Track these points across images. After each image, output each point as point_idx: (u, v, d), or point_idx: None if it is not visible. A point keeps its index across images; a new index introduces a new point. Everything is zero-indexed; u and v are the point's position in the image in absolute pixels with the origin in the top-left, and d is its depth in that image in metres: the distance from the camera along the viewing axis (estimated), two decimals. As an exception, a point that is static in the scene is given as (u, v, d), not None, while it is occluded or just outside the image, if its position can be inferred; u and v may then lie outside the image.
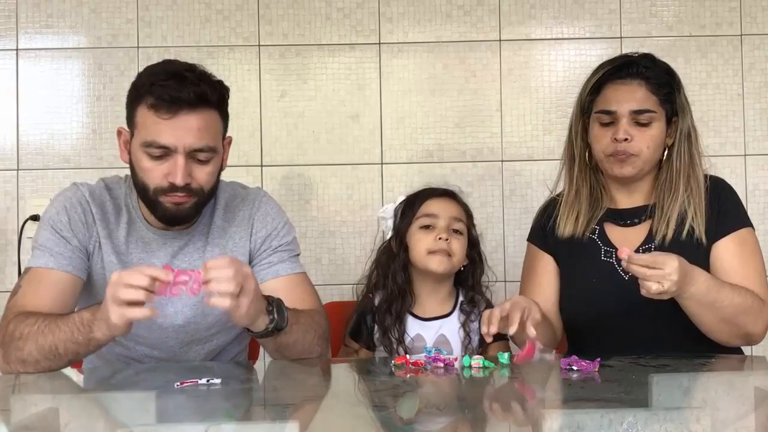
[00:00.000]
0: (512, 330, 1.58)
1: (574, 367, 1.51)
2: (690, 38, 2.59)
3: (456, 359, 1.61)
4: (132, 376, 1.70)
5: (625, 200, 1.87)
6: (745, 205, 2.11)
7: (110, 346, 1.80)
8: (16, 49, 2.58)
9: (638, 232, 1.84)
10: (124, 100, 2.54)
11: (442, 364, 1.58)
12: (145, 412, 1.33)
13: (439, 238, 1.91)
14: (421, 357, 1.62)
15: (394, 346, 1.89)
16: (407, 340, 1.91)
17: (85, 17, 2.58)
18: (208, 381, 1.43)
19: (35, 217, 2.53)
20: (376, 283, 2.00)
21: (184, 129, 1.63)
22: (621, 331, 1.75)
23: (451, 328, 1.93)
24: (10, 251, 2.56)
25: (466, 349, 1.90)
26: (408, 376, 1.53)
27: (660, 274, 1.57)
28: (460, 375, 1.54)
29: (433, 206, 1.96)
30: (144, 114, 1.65)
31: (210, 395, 1.38)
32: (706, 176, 1.85)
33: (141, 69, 1.80)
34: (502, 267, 2.57)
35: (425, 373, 1.54)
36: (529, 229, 2.04)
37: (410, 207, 1.99)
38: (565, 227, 1.86)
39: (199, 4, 2.59)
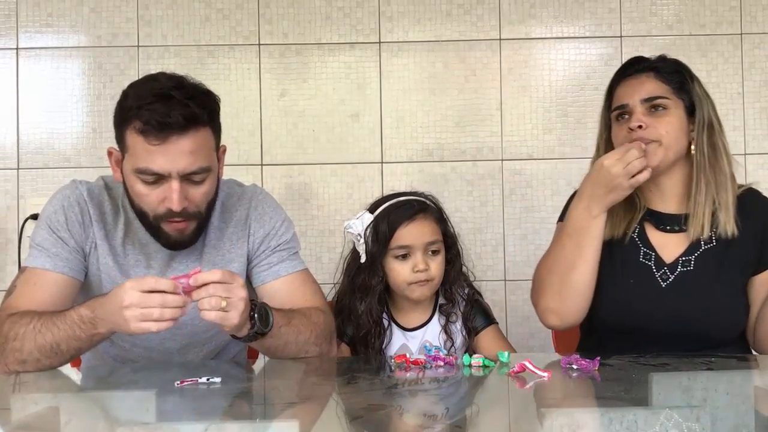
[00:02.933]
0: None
1: (575, 366, 1.51)
2: (690, 37, 2.59)
3: (456, 358, 1.61)
4: (132, 375, 1.70)
5: (659, 203, 1.83)
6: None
7: (107, 348, 1.80)
8: (17, 48, 2.58)
9: (678, 240, 1.80)
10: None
11: (441, 363, 1.58)
12: (146, 411, 1.33)
13: (418, 270, 1.84)
14: (420, 356, 1.62)
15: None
16: (393, 351, 1.90)
17: (85, 16, 2.58)
18: (208, 380, 1.43)
19: (35, 216, 2.52)
20: (350, 304, 1.93)
21: (175, 154, 1.57)
22: (653, 337, 1.73)
23: (434, 332, 1.91)
24: (10, 250, 2.56)
25: (449, 352, 1.88)
26: (408, 374, 1.53)
27: None
28: (459, 373, 1.54)
29: (405, 235, 1.84)
30: (133, 139, 1.59)
31: (210, 394, 1.38)
32: (746, 187, 1.82)
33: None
34: (502, 266, 2.57)
35: (425, 372, 1.54)
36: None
37: (382, 234, 1.86)
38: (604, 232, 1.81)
39: (199, 3, 2.59)
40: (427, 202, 1.92)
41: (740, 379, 1.59)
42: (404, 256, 1.86)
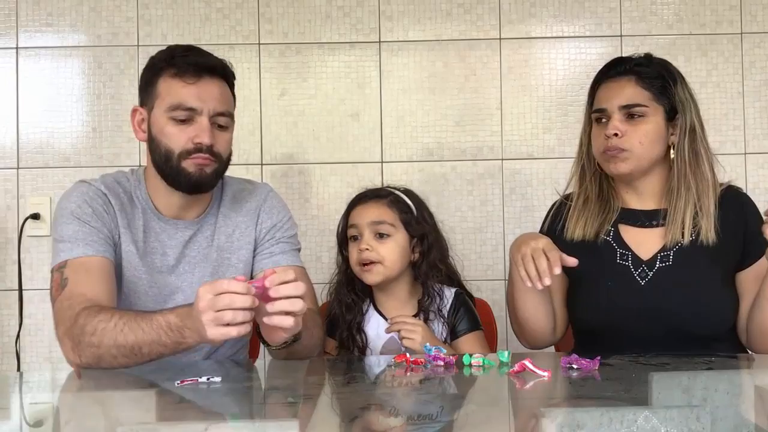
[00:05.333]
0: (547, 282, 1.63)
1: (575, 366, 1.51)
2: (690, 36, 2.59)
3: (455, 357, 1.61)
4: (132, 374, 1.70)
5: (636, 202, 1.84)
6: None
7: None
8: (16, 48, 2.58)
9: (655, 236, 1.80)
10: (124, 98, 2.55)
11: (441, 363, 1.58)
12: (146, 411, 1.33)
13: (360, 249, 1.87)
14: (420, 356, 1.62)
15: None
16: (382, 343, 1.89)
17: (85, 15, 2.58)
18: (208, 379, 1.44)
19: (36, 216, 2.53)
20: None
21: (208, 93, 1.72)
22: (635, 336, 1.74)
23: None
24: (10, 250, 2.56)
25: None
26: (407, 374, 1.53)
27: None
28: (459, 373, 1.54)
29: (355, 215, 1.93)
30: (168, 82, 1.72)
31: (210, 393, 1.38)
32: (726, 185, 1.82)
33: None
34: (502, 265, 2.57)
35: (425, 372, 1.54)
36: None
37: (343, 218, 1.98)
38: (575, 231, 1.83)
39: (199, 3, 2.59)
40: (388, 190, 1.96)
41: (740, 378, 1.59)
42: (355, 238, 1.92)
